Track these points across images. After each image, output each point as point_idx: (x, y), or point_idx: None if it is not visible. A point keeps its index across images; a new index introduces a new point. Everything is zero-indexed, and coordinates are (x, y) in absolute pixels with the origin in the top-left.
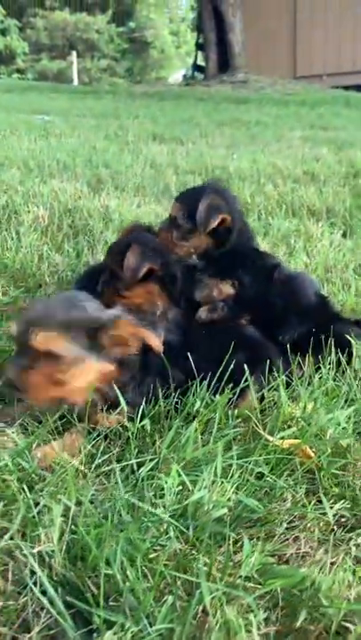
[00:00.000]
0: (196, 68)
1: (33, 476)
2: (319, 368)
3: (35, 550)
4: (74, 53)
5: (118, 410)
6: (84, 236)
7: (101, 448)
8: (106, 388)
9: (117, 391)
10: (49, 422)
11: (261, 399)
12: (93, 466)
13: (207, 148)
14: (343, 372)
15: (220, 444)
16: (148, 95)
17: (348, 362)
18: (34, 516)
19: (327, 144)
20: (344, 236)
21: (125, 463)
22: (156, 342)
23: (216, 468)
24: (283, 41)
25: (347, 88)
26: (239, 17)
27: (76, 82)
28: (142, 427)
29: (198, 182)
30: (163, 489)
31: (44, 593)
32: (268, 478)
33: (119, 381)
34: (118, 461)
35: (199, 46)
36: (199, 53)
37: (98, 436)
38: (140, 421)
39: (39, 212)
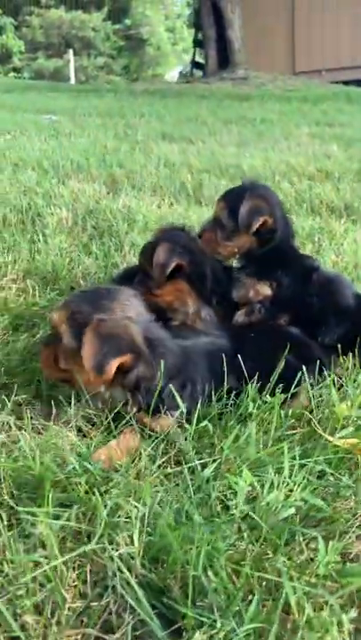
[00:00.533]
0: (195, 64)
1: (98, 478)
2: None
3: (117, 553)
4: (70, 52)
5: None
6: (110, 238)
7: (160, 449)
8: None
9: (175, 394)
10: (103, 424)
11: (310, 399)
12: (154, 467)
13: (217, 147)
14: None
15: (285, 444)
16: (149, 93)
17: None
18: (113, 519)
19: (335, 140)
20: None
21: (190, 465)
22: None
23: (283, 469)
24: (281, 37)
25: (346, 83)
26: (238, 13)
27: (72, 80)
28: (203, 427)
29: (214, 181)
30: (230, 489)
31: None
32: (330, 477)
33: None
34: (177, 463)
35: (197, 43)
36: (197, 50)
37: (156, 438)
38: (197, 423)
39: (62, 214)
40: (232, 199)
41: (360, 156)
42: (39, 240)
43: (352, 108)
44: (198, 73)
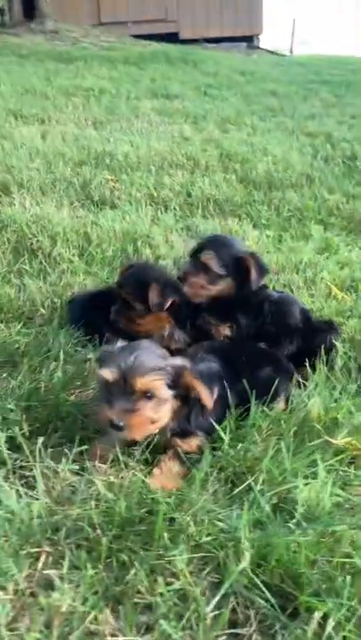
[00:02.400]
0: None
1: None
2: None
3: (240, 567)
4: None
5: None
6: (35, 255)
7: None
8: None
9: (215, 426)
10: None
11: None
12: (209, 485)
13: (76, 128)
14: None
15: (317, 455)
16: None
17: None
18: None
19: (181, 117)
20: (255, 226)
21: (250, 480)
22: (206, 397)
23: (314, 473)
24: None
25: (150, 37)
26: None
27: None
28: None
29: (95, 174)
30: (288, 493)
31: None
32: (340, 472)
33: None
34: (220, 480)
35: None
36: None
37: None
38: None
39: None
40: (221, 249)
41: (212, 136)
42: None
43: (175, 74)
44: None
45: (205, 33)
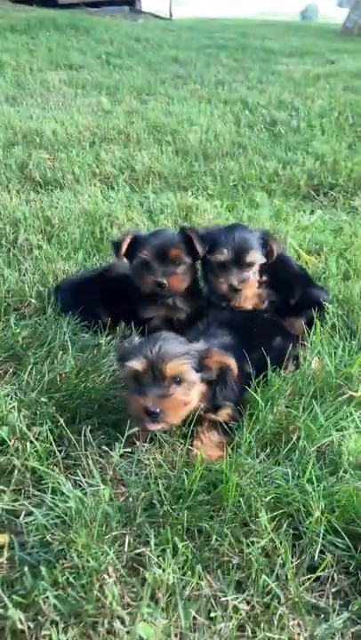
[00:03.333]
0: None
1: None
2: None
3: (315, 517)
4: None
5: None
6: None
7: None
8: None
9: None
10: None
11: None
12: (258, 461)
13: None
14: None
15: (348, 408)
16: None
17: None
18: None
19: (93, 89)
20: (207, 199)
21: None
22: (235, 368)
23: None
24: None
25: (29, 2)
26: None
27: None
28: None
29: (29, 154)
30: (325, 452)
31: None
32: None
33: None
34: (259, 443)
35: None
36: None
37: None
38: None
39: None
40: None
41: (132, 107)
42: None
43: (72, 43)
44: None
45: None
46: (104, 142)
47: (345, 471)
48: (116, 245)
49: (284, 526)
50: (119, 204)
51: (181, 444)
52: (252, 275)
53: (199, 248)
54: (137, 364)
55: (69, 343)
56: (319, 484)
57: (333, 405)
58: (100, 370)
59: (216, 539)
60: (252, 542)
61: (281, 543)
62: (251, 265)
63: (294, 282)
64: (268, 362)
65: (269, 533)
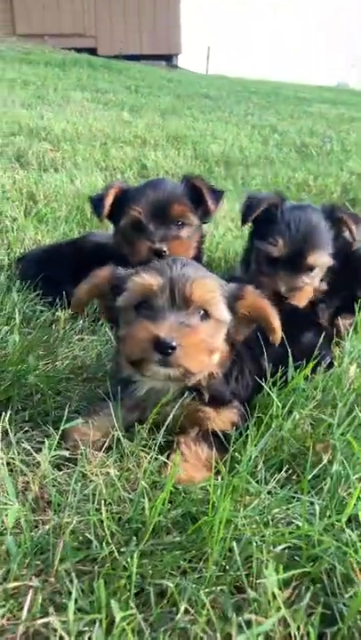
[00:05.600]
0: None
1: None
2: None
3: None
4: None
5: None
6: None
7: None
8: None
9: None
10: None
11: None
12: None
13: (3, 107)
14: None
15: None
16: None
17: None
18: None
19: (117, 106)
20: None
21: (324, 460)
22: (277, 321)
23: None
24: None
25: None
26: None
27: None
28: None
29: (29, 144)
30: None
31: None
32: None
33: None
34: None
35: None
36: None
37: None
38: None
39: None
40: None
41: (154, 121)
42: None
43: (103, 77)
44: None
45: (125, 50)
46: (117, 143)
47: None
48: (96, 201)
49: (306, 598)
50: None
51: (150, 455)
52: (311, 279)
53: (211, 203)
54: (151, 280)
55: (17, 315)
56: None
57: None
58: (55, 353)
59: (187, 610)
60: (249, 623)
61: (299, 629)
62: (312, 269)
63: None
64: (291, 359)
65: (280, 609)
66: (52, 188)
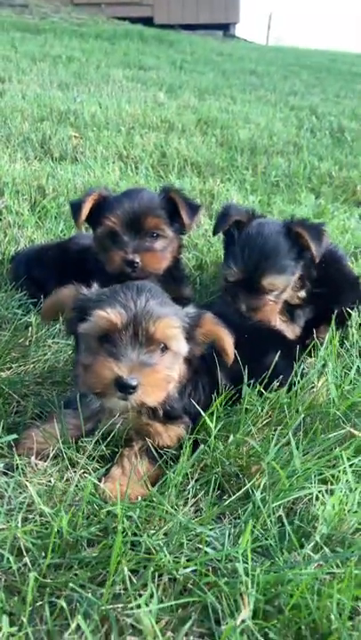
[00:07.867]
0: None
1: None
2: None
3: (240, 619)
4: None
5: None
6: None
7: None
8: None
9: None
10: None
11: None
12: (188, 492)
13: (39, 88)
14: None
15: (340, 451)
16: None
17: None
18: None
19: (156, 86)
20: (238, 189)
21: (247, 485)
22: (230, 347)
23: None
24: None
25: (124, 19)
26: None
27: None
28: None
29: (55, 130)
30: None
31: None
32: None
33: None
34: (203, 485)
35: None
36: None
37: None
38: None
39: None
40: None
41: (188, 103)
42: None
43: (151, 50)
44: None
45: (181, 19)
46: (143, 128)
47: (316, 546)
48: (75, 207)
49: (189, 623)
50: (131, 183)
51: (96, 469)
52: (276, 297)
53: (186, 217)
54: (114, 316)
55: None
56: (262, 562)
57: (322, 445)
58: (26, 357)
59: (78, 626)
60: None
61: None
62: (271, 291)
63: (344, 286)
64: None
65: (156, 637)
66: (64, 182)
